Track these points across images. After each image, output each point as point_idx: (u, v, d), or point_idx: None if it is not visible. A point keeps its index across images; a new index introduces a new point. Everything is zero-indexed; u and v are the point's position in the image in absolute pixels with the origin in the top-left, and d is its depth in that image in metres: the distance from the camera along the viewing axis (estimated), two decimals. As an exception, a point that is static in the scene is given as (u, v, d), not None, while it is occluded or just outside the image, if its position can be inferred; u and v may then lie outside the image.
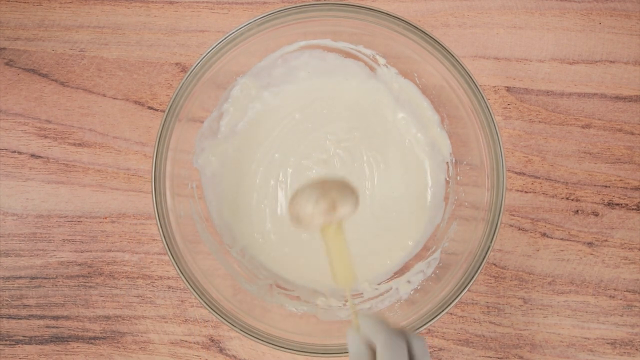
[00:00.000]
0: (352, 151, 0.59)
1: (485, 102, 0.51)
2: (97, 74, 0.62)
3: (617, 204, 0.60)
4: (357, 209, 0.43)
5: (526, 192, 0.60)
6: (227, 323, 0.50)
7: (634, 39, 0.61)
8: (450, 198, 0.58)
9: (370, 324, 0.39)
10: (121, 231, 0.61)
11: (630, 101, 0.61)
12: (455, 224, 0.56)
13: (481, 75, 0.61)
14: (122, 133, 0.62)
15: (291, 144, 0.59)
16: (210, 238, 0.57)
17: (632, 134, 0.61)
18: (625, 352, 0.59)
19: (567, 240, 0.60)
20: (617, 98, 0.61)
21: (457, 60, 0.51)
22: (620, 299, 0.59)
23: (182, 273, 0.51)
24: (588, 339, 0.59)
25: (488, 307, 0.59)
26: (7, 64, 0.62)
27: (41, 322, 0.60)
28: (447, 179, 0.59)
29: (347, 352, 0.48)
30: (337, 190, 0.42)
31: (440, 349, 0.59)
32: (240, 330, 0.50)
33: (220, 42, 0.52)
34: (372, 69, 0.59)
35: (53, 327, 0.60)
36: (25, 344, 0.60)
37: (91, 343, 0.60)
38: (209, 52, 0.52)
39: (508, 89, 0.61)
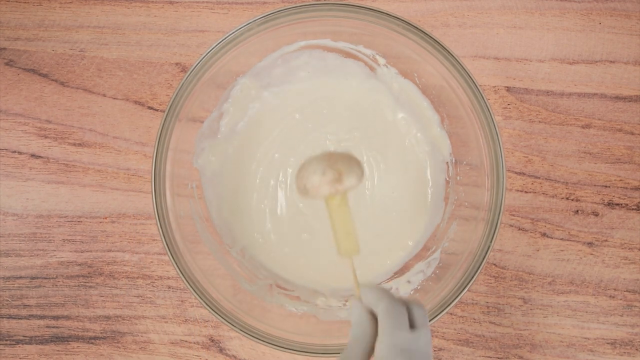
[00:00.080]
0: (352, 151, 0.59)
1: (485, 102, 0.51)
2: (97, 74, 0.62)
3: (617, 204, 0.60)
4: (362, 180, 0.44)
5: (526, 192, 0.60)
6: (227, 323, 0.50)
7: (634, 39, 0.61)
8: (450, 198, 0.58)
9: (371, 293, 0.40)
10: (121, 231, 0.61)
11: (630, 101, 0.61)
12: (455, 224, 0.56)
13: (481, 75, 0.61)
14: (122, 133, 0.62)
15: (291, 144, 0.59)
16: (210, 238, 0.57)
17: (632, 134, 0.61)
18: (625, 352, 0.59)
19: (567, 240, 0.60)
20: (617, 98, 0.61)
21: (457, 60, 0.51)
22: (620, 299, 0.59)
23: (182, 273, 0.51)
24: (588, 339, 0.59)
25: (488, 307, 0.59)
26: (7, 64, 0.62)
27: (41, 322, 0.60)
28: (447, 179, 0.59)
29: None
30: (342, 162, 0.43)
31: (440, 349, 0.59)
32: (240, 330, 0.50)
33: (220, 42, 0.52)
34: (372, 69, 0.59)
35: (53, 327, 0.60)
36: (26, 343, 0.60)
37: (91, 343, 0.60)
38: (209, 52, 0.52)
39: (508, 89, 0.61)
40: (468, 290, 0.51)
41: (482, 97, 0.51)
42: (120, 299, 0.60)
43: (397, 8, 0.62)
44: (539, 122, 0.61)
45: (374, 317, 0.39)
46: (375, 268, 0.59)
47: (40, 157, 0.62)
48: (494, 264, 0.60)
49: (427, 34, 0.51)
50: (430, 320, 0.49)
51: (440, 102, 0.57)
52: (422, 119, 0.59)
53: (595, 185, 0.60)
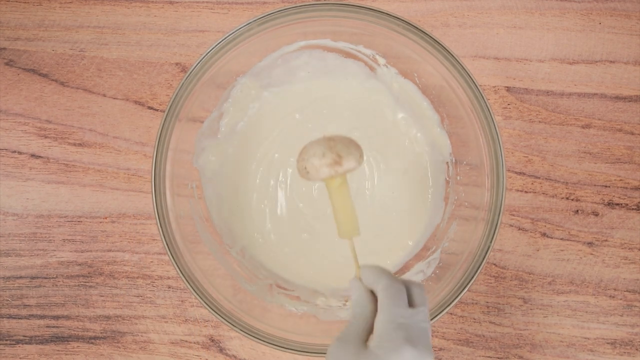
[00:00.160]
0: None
1: (485, 102, 0.51)
2: (97, 74, 0.62)
3: (617, 204, 0.60)
4: (361, 163, 0.45)
5: (526, 192, 0.60)
6: (227, 323, 0.50)
7: (634, 39, 0.61)
8: (450, 198, 0.58)
9: (371, 272, 0.41)
10: (121, 231, 0.61)
11: (630, 101, 0.61)
12: (455, 224, 0.56)
13: (481, 75, 0.61)
14: (122, 133, 0.62)
15: (291, 144, 0.59)
16: (210, 238, 0.57)
17: (632, 134, 0.61)
18: (625, 352, 0.59)
19: (567, 240, 0.60)
20: (617, 98, 0.61)
21: (457, 60, 0.51)
22: (620, 299, 0.59)
23: (182, 273, 0.51)
24: (588, 339, 0.59)
25: (488, 307, 0.59)
26: (7, 64, 0.62)
27: (41, 322, 0.60)
28: (447, 179, 0.59)
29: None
30: (342, 144, 0.45)
31: (440, 349, 0.59)
32: (240, 330, 0.50)
33: (220, 42, 0.52)
34: (372, 69, 0.59)
35: (53, 326, 0.60)
36: (26, 343, 0.60)
37: (91, 343, 0.60)
38: (209, 52, 0.52)
39: (508, 89, 0.61)
40: (468, 290, 0.51)
41: (482, 97, 0.51)
42: (120, 298, 0.60)
43: (397, 8, 0.62)
44: (539, 122, 0.61)
45: (374, 297, 0.40)
46: (375, 268, 0.59)
47: (40, 157, 0.62)
48: (494, 264, 0.60)
49: (427, 34, 0.51)
50: (430, 320, 0.49)
51: (440, 102, 0.57)
52: (422, 119, 0.59)
53: (595, 185, 0.60)
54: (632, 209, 0.60)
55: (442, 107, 0.57)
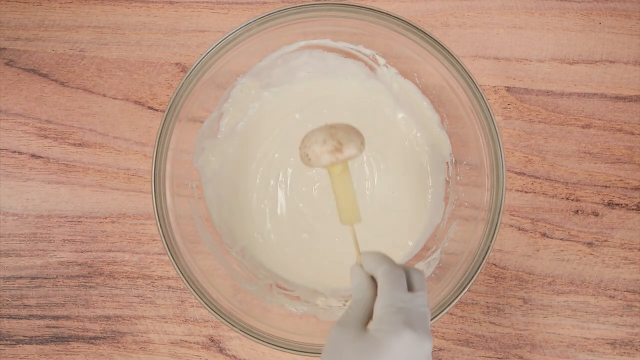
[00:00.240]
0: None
1: (485, 102, 0.51)
2: (97, 74, 0.62)
3: (617, 204, 0.60)
4: (362, 150, 0.46)
5: (526, 192, 0.60)
6: (227, 323, 0.50)
7: (634, 39, 0.61)
8: (450, 198, 0.58)
9: (372, 258, 0.41)
10: (121, 231, 0.61)
11: (630, 101, 0.61)
12: (455, 224, 0.56)
13: (481, 75, 0.61)
14: (122, 133, 0.62)
15: (291, 144, 0.59)
16: (210, 238, 0.57)
17: (632, 134, 0.61)
18: (625, 352, 0.59)
19: (567, 240, 0.60)
20: (617, 98, 0.61)
21: (457, 60, 0.51)
22: (620, 299, 0.59)
23: (182, 273, 0.51)
24: (588, 339, 0.59)
25: (488, 307, 0.59)
26: (7, 64, 0.62)
27: (41, 322, 0.60)
28: (447, 179, 0.59)
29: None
30: (343, 132, 0.45)
31: (440, 349, 0.59)
32: (240, 330, 0.50)
33: (220, 42, 0.52)
34: (372, 69, 0.59)
35: (53, 327, 0.60)
36: (26, 343, 0.60)
37: (91, 343, 0.60)
38: (209, 52, 0.52)
39: (508, 89, 0.61)
40: (468, 290, 0.51)
41: (482, 97, 0.51)
42: (120, 299, 0.60)
43: (397, 8, 0.62)
44: (539, 122, 0.61)
45: (374, 282, 0.41)
46: (375, 268, 0.59)
47: (40, 157, 0.62)
48: (494, 264, 0.60)
49: (427, 34, 0.51)
50: (430, 320, 0.49)
51: (440, 102, 0.57)
52: (422, 119, 0.59)
53: (595, 185, 0.60)
54: (632, 209, 0.60)
55: (442, 107, 0.57)
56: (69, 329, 0.60)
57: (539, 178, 0.60)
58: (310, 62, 0.59)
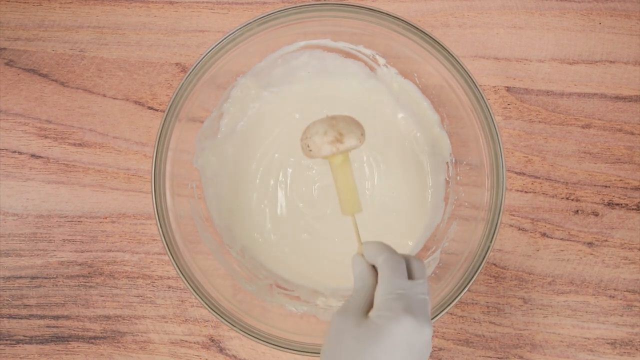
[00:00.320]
0: (352, 151, 0.59)
1: (485, 102, 0.51)
2: (97, 74, 0.62)
3: (617, 204, 0.60)
4: (363, 142, 0.46)
5: (526, 192, 0.60)
6: (227, 323, 0.50)
7: (634, 39, 0.61)
8: (450, 198, 0.58)
9: (373, 247, 0.42)
10: (121, 231, 0.61)
11: (630, 101, 0.61)
12: (455, 224, 0.56)
13: (481, 75, 0.61)
14: (122, 133, 0.62)
15: (291, 144, 0.59)
16: (210, 238, 0.57)
17: (632, 134, 0.61)
18: (625, 352, 0.59)
19: (567, 240, 0.60)
20: (617, 98, 0.61)
21: (457, 60, 0.51)
22: (620, 299, 0.59)
23: (182, 273, 0.51)
24: (588, 339, 0.59)
25: (488, 307, 0.59)
26: (7, 64, 0.62)
27: (42, 322, 0.60)
28: (447, 179, 0.59)
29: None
30: (344, 123, 0.46)
31: (440, 349, 0.59)
32: (240, 330, 0.50)
33: (220, 42, 0.52)
34: (372, 69, 0.59)
35: (53, 326, 0.60)
36: (26, 343, 0.60)
37: (91, 343, 0.60)
38: (209, 52, 0.52)
39: (508, 89, 0.61)
40: (468, 290, 0.51)
41: (482, 97, 0.51)
42: (120, 298, 0.60)
43: (397, 8, 0.62)
44: (539, 122, 0.61)
45: (375, 271, 0.41)
46: (375, 268, 0.59)
47: (40, 157, 0.62)
48: (494, 264, 0.60)
49: (427, 34, 0.51)
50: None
51: (440, 102, 0.57)
52: (422, 119, 0.59)
53: (595, 185, 0.60)
54: (632, 209, 0.60)
55: (442, 107, 0.57)
56: (69, 329, 0.60)
57: (539, 178, 0.60)
58: (310, 62, 0.59)
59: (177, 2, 0.63)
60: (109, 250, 0.60)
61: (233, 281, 0.56)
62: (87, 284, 0.60)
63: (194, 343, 0.59)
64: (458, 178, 0.57)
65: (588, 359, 0.59)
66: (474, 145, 0.53)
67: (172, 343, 0.60)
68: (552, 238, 0.60)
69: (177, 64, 0.62)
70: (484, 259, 0.50)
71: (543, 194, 0.60)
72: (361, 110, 0.60)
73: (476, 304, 0.59)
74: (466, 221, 0.54)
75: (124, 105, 0.62)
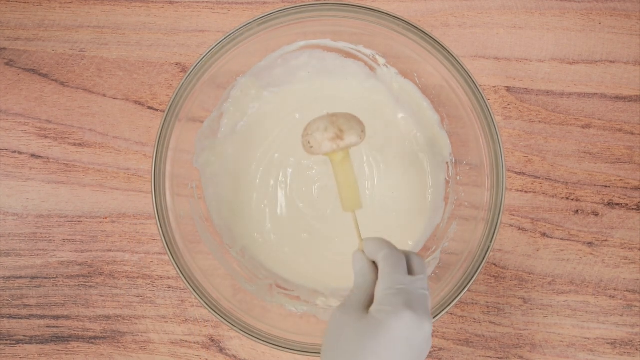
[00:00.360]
0: (352, 151, 0.59)
1: (485, 102, 0.51)
2: (97, 74, 0.62)
3: (617, 204, 0.60)
4: (363, 139, 0.47)
5: (526, 192, 0.60)
6: (227, 323, 0.50)
7: (634, 39, 0.61)
8: (450, 198, 0.58)
9: (373, 244, 0.42)
10: (121, 231, 0.61)
11: (630, 101, 0.61)
12: (455, 224, 0.56)
13: (481, 75, 0.61)
14: (122, 133, 0.62)
15: (291, 144, 0.59)
16: (210, 238, 0.57)
17: (632, 134, 0.61)
18: (625, 352, 0.59)
19: (567, 240, 0.60)
20: (617, 98, 0.61)
21: (457, 60, 0.51)
22: (620, 299, 0.59)
23: (182, 273, 0.51)
24: (588, 339, 0.59)
25: (488, 307, 0.59)
26: (7, 64, 0.62)
27: (41, 322, 0.60)
28: (447, 179, 0.59)
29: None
30: (344, 120, 0.46)
31: (440, 349, 0.59)
32: (240, 330, 0.50)
33: (220, 42, 0.52)
34: (372, 69, 0.59)
35: (53, 326, 0.60)
36: (26, 343, 0.60)
37: (91, 343, 0.60)
38: (209, 52, 0.52)
39: (508, 89, 0.61)
40: (468, 290, 0.51)
41: (482, 97, 0.51)
42: (120, 298, 0.60)
43: (397, 8, 0.62)
44: (539, 122, 0.61)
45: (375, 267, 0.42)
46: (375, 268, 0.59)
47: (40, 157, 0.62)
48: (494, 264, 0.60)
49: (427, 34, 0.51)
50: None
51: (440, 102, 0.57)
52: (422, 119, 0.59)
53: (595, 185, 0.60)
54: (632, 209, 0.60)
55: (442, 107, 0.57)
56: (69, 329, 0.60)
57: (539, 178, 0.60)
58: (310, 62, 0.59)
59: (177, 2, 0.63)
60: (109, 250, 0.60)
61: (233, 281, 0.56)
62: (87, 284, 0.60)
63: (194, 343, 0.60)
64: (458, 178, 0.57)
65: (588, 359, 0.59)
66: (474, 145, 0.53)
67: (172, 343, 0.60)
68: (552, 238, 0.60)
69: (177, 64, 0.62)
70: (484, 259, 0.50)
71: (543, 194, 0.60)
72: (361, 110, 0.60)
73: (476, 304, 0.59)
74: (466, 221, 0.54)
75: (124, 105, 0.62)
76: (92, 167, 0.61)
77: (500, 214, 0.50)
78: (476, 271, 0.50)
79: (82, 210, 0.61)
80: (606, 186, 0.60)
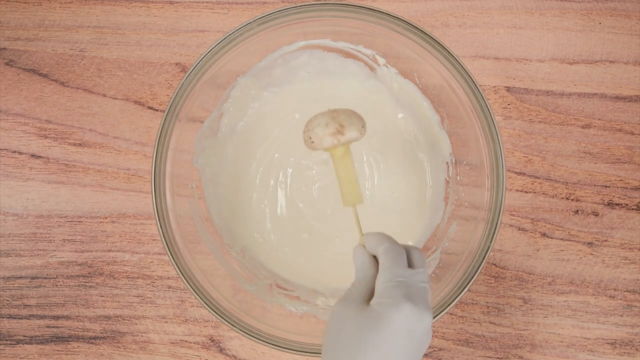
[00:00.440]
0: (352, 152, 0.59)
1: (485, 102, 0.51)
2: (97, 74, 0.62)
3: (617, 204, 0.60)
4: (364, 134, 0.47)
5: (526, 192, 0.60)
6: (227, 323, 0.50)
7: (634, 39, 0.61)
8: (450, 198, 0.58)
9: (374, 238, 0.43)
10: (121, 231, 0.61)
11: (630, 101, 0.61)
12: (455, 224, 0.56)
13: (481, 75, 0.61)
14: (122, 133, 0.62)
15: (291, 144, 0.59)
16: (210, 238, 0.57)
17: (632, 134, 0.61)
18: (625, 352, 0.59)
19: (567, 240, 0.60)
20: (617, 98, 0.61)
21: (457, 60, 0.51)
22: (620, 299, 0.59)
23: (182, 273, 0.51)
24: (588, 339, 0.59)
25: (488, 307, 0.59)
26: (7, 64, 0.62)
27: (42, 322, 0.60)
28: (447, 179, 0.59)
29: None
30: (345, 115, 0.47)
31: (440, 349, 0.59)
32: (240, 330, 0.50)
33: (220, 42, 0.52)
34: (372, 69, 0.59)
35: (53, 326, 0.60)
36: (26, 343, 0.60)
37: (91, 343, 0.60)
38: (209, 52, 0.52)
39: (508, 89, 0.61)
40: (468, 290, 0.51)
41: (482, 97, 0.51)
42: (120, 299, 0.60)
43: (397, 8, 0.62)
44: (539, 122, 0.61)
45: (376, 262, 0.42)
46: (375, 268, 0.59)
47: (40, 157, 0.62)
48: (494, 264, 0.60)
49: (427, 34, 0.51)
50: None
51: (440, 102, 0.57)
52: (422, 119, 0.59)
53: (595, 185, 0.60)
54: (632, 209, 0.60)
55: (442, 107, 0.57)
56: (69, 329, 0.60)
57: (539, 178, 0.60)
58: (310, 62, 0.59)
59: (177, 2, 0.63)
60: (109, 250, 0.60)
61: (233, 281, 0.56)
62: (87, 284, 0.60)
63: (194, 343, 0.60)
64: (458, 178, 0.57)
65: (588, 359, 0.59)
66: (474, 145, 0.53)
67: (172, 343, 0.60)
68: (552, 238, 0.60)
69: (177, 64, 0.62)
70: (484, 259, 0.50)
71: (543, 194, 0.60)
72: (361, 110, 0.59)
73: (476, 304, 0.59)
74: (466, 221, 0.54)
75: (124, 105, 0.62)
76: (92, 167, 0.61)
77: (500, 214, 0.50)
78: (476, 271, 0.50)
79: (82, 210, 0.61)
80: (606, 186, 0.60)
